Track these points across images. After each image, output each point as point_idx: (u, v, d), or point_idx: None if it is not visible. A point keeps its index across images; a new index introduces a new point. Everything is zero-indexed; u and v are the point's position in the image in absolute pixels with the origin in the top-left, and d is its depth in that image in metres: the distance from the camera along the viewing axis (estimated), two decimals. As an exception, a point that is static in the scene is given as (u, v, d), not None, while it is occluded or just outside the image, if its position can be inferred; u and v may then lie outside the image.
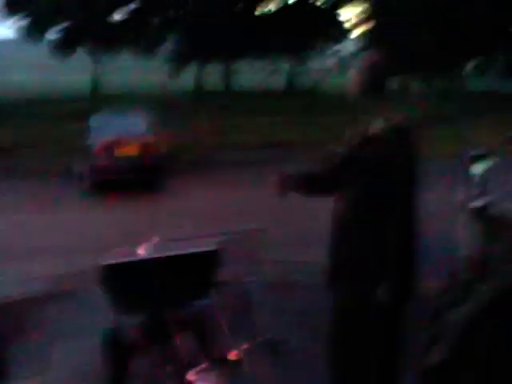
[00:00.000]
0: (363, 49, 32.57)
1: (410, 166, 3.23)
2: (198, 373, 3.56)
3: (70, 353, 4.94)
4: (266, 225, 4.23)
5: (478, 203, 4.74)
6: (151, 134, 13.09)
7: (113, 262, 4.21)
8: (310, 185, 3.57)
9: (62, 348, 5.07)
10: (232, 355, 4.06)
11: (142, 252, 4.71)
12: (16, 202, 11.32)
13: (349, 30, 39.80)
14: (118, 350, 4.20)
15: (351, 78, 3.40)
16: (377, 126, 3.25)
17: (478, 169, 4.96)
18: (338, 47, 42.98)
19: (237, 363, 4.02)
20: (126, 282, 4.24)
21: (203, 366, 3.70)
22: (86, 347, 4.91)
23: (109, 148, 12.38)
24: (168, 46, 35.89)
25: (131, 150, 12.59)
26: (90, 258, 5.22)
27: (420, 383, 2.72)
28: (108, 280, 4.17)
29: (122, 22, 37.44)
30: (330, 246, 3.44)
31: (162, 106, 23.79)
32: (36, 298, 6.26)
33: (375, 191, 3.16)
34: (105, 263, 4.14)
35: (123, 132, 12.75)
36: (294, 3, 37.35)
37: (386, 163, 3.13)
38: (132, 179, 12.48)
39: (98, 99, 27.22)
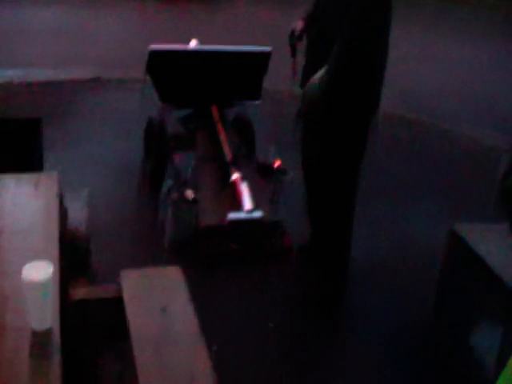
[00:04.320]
0: None
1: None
2: (242, 174, 3.41)
3: (111, 139, 4.78)
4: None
5: None
6: None
7: (162, 48, 3.94)
8: None
9: (104, 132, 4.93)
10: (276, 163, 3.91)
11: (192, 45, 4.42)
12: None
13: None
14: (160, 138, 4.05)
15: None
16: None
17: None
18: None
19: (281, 171, 3.88)
20: (174, 71, 3.99)
21: (249, 166, 3.55)
22: (128, 135, 4.77)
23: None
24: None
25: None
26: (138, 47, 4.93)
27: (497, 202, 2.58)
28: (156, 68, 3.93)
29: None
30: None
31: None
32: (85, 80, 6.04)
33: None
34: (153, 49, 3.87)
35: None
36: None
37: None
38: None
39: None
